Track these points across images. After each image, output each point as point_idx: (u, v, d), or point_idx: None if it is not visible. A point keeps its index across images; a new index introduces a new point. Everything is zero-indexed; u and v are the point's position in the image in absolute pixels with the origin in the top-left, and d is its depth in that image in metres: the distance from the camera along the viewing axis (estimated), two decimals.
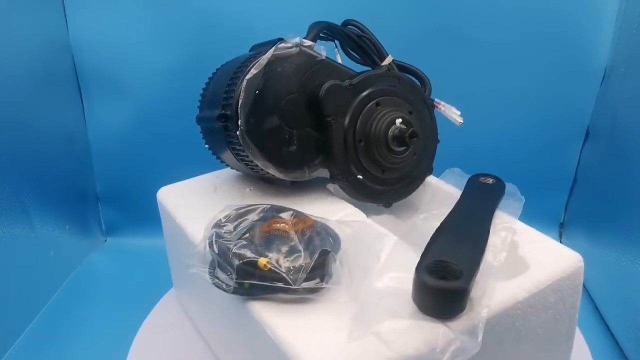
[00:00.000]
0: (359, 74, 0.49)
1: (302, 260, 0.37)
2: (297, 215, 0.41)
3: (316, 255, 0.37)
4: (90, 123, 0.81)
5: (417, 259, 0.40)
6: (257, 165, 0.47)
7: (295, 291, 0.36)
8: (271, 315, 0.36)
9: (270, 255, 0.37)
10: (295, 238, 0.39)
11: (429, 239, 0.45)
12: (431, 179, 0.54)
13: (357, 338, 0.32)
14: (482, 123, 0.75)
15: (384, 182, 0.51)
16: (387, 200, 0.52)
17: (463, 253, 0.37)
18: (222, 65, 0.53)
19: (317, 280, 0.37)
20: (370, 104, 0.48)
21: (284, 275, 0.36)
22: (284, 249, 0.38)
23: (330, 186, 0.53)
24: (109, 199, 0.86)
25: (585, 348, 0.55)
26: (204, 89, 0.52)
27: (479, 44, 0.75)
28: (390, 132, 0.48)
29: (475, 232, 0.40)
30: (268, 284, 0.36)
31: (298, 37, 0.47)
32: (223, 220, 0.42)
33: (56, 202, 0.75)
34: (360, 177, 0.49)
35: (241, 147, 0.46)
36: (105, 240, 0.88)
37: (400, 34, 0.73)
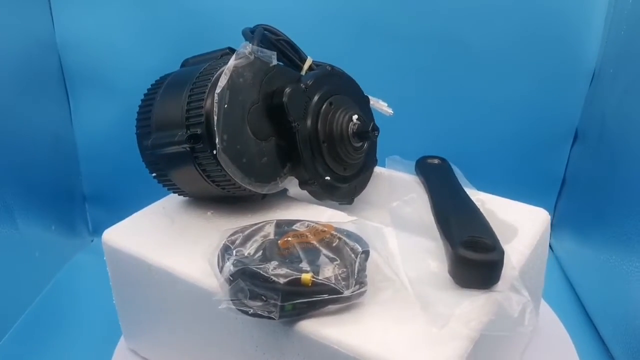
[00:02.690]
0: (306, 75, 0.49)
1: (343, 266, 0.36)
2: (311, 224, 0.40)
3: (358, 259, 0.37)
4: (76, 122, 0.80)
5: (424, 244, 0.42)
6: (233, 184, 0.44)
7: (347, 299, 0.35)
8: (334, 330, 0.34)
9: (308, 269, 0.36)
10: (322, 247, 0.38)
11: (414, 223, 0.47)
12: (379, 170, 0.56)
13: (442, 325, 0.33)
14: (471, 124, 0.78)
15: (346, 180, 0.51)
16: (351, 196, 0.52)
17: (481, 227, 0.40)
18: (153, 87, 0.48)
19: (363, 282, 0.36)
20: (325, 104, 0.49)
21: (333, 285, 0.35)
22: (318, 259, 0.37)
23: (291, 193, 0.51)
24: (96, 199, 0.85)
25: (572, 348, 0.53)
26: (141, 114, 0.47)
27: (469, 47, 0.75)
28: (349, 130, 0.49)
29: (472, 208, 0.43)
30: (317, 298, 0.35)
31: (249, 45, 0.45)
32: (232, 247, 0.38)
33: (42, 202, 0.74)
34: (327, 178, 0.49)
35: (214, 168, 0.43)
36: (92, 241, 0.87)
37: (392, 37, 0.74)
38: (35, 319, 0.67)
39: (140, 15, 0.75)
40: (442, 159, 0.55)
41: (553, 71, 0.76)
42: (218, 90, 0.41)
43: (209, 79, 0.43)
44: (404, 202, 0.50)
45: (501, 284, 0.37)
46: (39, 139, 0.74)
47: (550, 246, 0.79)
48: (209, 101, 0.42)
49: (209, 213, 0.48)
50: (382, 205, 0.53)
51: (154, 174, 0.48)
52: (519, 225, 0.45)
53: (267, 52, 0.46)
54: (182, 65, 0.50)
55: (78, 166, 0.83)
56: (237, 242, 0.39)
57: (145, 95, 0.48)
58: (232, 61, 0.43)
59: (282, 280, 0.34)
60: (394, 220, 0.47)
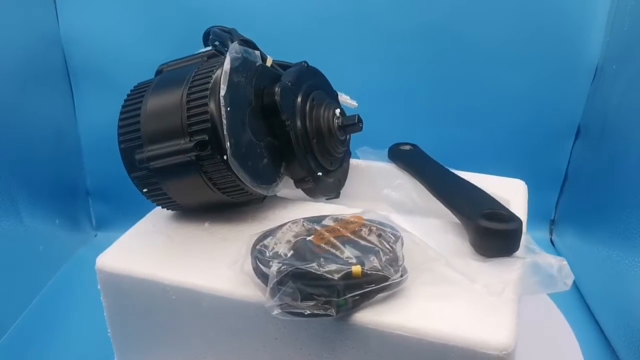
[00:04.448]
0: (286, 73, 0.49)
1: (385, 253, 0.37)
2: (339, 218, 0.40)
3: (399, 244, 0.37)
4: (80, 117, 0.82)
5: (433, 223, 0.44)
6: (240, 190, 0.42)
7: (397, 284, 0.36)
8: (392, 316, 0.35)
9: (354, 261, 0.36)
10: (357, 237, 0.38)
11: (411, 206, 0.49)
12: (355, 162, 0.57)
13: (500, 293, 0.35)
14: (473, 120, 0.78)
15: (331, 174, 0.52)
16: (338, 190, 0.53)
17: (490, 200, 0.43)
18: (133, 99, 0.44)
19: (405, 266, 0.37)
20: (309, 100, 0.49)
21: (383, 273, 0.35)
22: (358, 251, 0.37)
23: (282, 193, 0.51)
24: (99, 194, 0.87)
25: (575, 344, 0.54)
26: (125, 127, 0.43)
27: (470, 42, 0.74)
28: (335, 124, 0.49)
29: (471, 185, 0.46)
30: (372, 288, 0.35)
31: (236, 45, 0.44)
32: (268, 251, 0.37)
33: (46, 197, 0.76)
34: (320, 174, 0.49)
35: (223, 174, 0.41)
36: (96, 235, 0.90)
37: (392, 32, 0.73)
38: (40, 313, 0.69)
39: (145, 11, 0.75)
40: (413, 145, 0.57)
41: (555, 67, 0.76)
42: (222, 92, 0.39)
43: (207, 82, 0.41)
44: (393, 188, 0.52)
45: (520, 250, 0.40)
46: (43, 133, 0.76)
47: (552, 242, 0.84)
48: (212, 105, 0.40)
49: (206, 224, 0.46)
50: (367, 195, 0.54)
51: (144, 190, 0.44)
52: (508, 196, 0.48)
53: (251, 51, 0.45)
54: (157, 73, 0.47)
55: (81, 161, 0.85)
56: (270, 245, 0.38)
57: (124, 107, 0.44)
58: (228, 62, 0.41)
59: (336, 276, 0.34)
60: (393, 206, 0.49)
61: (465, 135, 0.77)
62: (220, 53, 0.46)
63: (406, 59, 0.66)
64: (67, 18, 0.76)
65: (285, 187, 0.49)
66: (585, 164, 0.77)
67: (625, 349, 0.56)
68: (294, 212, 0.47)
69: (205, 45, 0.54)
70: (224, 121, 0.39)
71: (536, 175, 0.75)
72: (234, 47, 0.43)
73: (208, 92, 0.40)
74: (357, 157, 0.58)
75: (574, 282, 0.69)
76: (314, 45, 0.66)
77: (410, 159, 0.54)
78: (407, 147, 0.57)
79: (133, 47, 0.76)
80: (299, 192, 0.50)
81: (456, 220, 0.44)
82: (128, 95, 0.45)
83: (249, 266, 0.38)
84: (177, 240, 0.44)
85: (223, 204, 0.45)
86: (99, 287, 0.43)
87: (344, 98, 0.58)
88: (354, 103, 0.58)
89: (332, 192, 0.52)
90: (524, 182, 0.52)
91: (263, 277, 0.36)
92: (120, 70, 0.76)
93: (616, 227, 0.60)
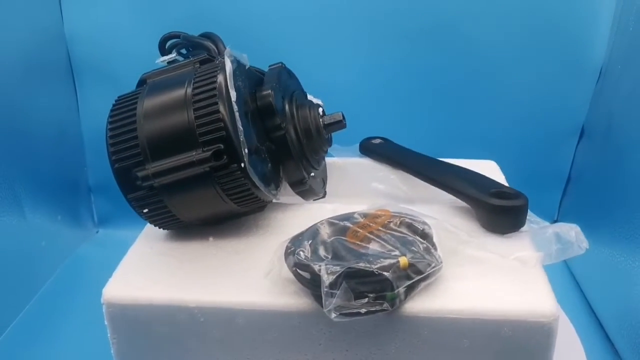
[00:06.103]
0: (269, 74, 0.47)
1: (420, 242, 0.37)
2: (366, 213, 0.40)
3: (433, 232, 0.38)
4: (83, 114, 0.82)
5: (434, 208, 0.46)
6: (254, 198, 0.41)
7: (438, 270, 0.37)
8: (440, 300, 0.36)
9: (397, 253, 0.36)
10: (390, 230, 0.38)
11: (403, 197, 0.51)
12: (330, 160, 0.57)
13: (535, 264, 0.37)
14: (477, 120, 0.77)
15: (318, 173, 0.51)
16: (324, 189, 0.52)
17: (489, 181, 0.45)
18: (123, 112, 0.40)
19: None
20: (293, 101, 0.48)
21: (427, 261, 0.36)
22: (396, 242, 0.37)
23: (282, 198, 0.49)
24: (101, 191, 0.87)
25: (579, 344, 0.54)
26: (119, 145, 0.39)
27: (474, 42, 0.72)
28: (321, 123, 0.49)
29: (462, 168, 0.48)
30: (420, 277, 0.36)
31: (228, 48, 0.42)
32: (304, 257, 0.36)
33: (48, 193, 0.76)
34: (312, 174, 0.48)
35: (239, 183, 0.39)
36: (97, 232, 0.90)
37: (396, 31, 0.71)
38: (41, 309, 0.69)
39: (149, 8, 0.75)
40: (383, 138, 0.58)
41: (560, 67, 0.75)
42: (234, 98, 0.38)
43: (213, 87, 0.38)
44: (379, 181, 0.53)
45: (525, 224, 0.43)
46: (46, 130, 0.76)
47: None
48: (223, 112, 0.38)
49: (210, 239, 0.43)
50: (355, 191, 0.53)
51: (145, 210, 0.41)
52: (491, 175, 0.51)
53: (240, 54, 0.43)
54: (142, 82, 0.43)
55: (84, 158, 0.85)
56: (307, 249, 0.37)
57: (113, 123, 0.40)
58: (229, 66, 0.39)
59: (389, 271, 0.34)
60: (385, 198, 0.50)
61: (467, 133, 0.77)
62: (212, 58, 0.44)
63: (405, 59, 0.66)
64: (71, 15, 0.76)
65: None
66: (589, 164, 0.76)
67: (629, 350, 0.57)
68: (295, 216, 0.47)
69: (163, 53, 0.51)
70: (240, 128, 0.37)
71: (539, 175, 0.80)
72: (229, 51, 0.41)
73: (217, 99, 0.38)
74: (330, 156, 0.57)
75: (577, 282, 0.74)
76: (281, 43, 0.65)
77: (388, 151, 0.56)
78: (378, 141, 0.58)
79: (137, 44, 0.73)
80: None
81: (455, 204, 0.46)
82: (112, 111, 0.41)
83: (286, 274, 0.36)
84: (186, 260, 0.41)
85: (230, 215, 0.43)
86: (105, 323, 0.39)
87: (309, 97, 0.58)
88: (319, 102, 0.58)
89: (320, 191, 0.52)
90: (495, 162, 0.55)
91: (308, 282, 0.35)
92: (124, 67, 0.72)
93: (619, 227, 0.60)
